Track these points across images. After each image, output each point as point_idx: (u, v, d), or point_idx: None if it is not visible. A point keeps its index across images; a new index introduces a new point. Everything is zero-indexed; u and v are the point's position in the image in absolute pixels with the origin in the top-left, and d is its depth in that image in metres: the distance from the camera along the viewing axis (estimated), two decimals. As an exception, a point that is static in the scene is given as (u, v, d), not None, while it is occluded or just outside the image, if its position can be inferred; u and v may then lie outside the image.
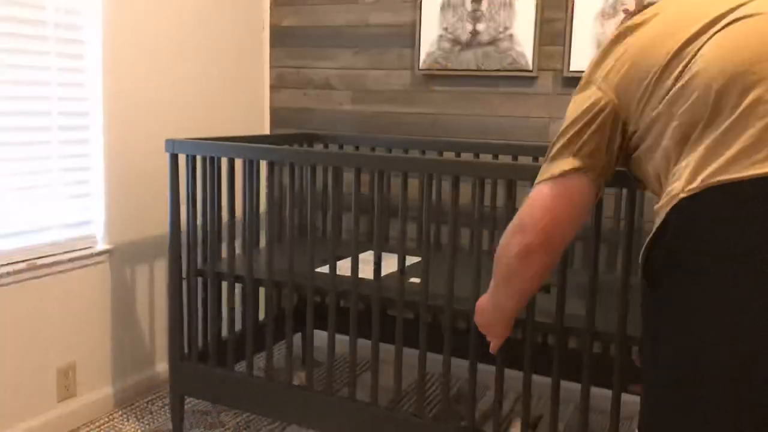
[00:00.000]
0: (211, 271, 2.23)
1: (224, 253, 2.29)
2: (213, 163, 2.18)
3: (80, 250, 2.34)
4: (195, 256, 2.24)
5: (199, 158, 2.48)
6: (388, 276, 2.20)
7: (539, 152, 2.51)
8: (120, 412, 2.50)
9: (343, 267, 2.21)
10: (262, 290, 2.85)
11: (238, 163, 2.78)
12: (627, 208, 1.66)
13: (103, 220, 2.42)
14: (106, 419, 2.45)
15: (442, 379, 1.90)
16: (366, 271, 2.17)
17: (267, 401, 2.15)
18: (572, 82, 2.54)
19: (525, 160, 2.50)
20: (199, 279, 2.28)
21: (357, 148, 2.81)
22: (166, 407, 2.54)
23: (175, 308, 2.24)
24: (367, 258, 2.44)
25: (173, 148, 2.17)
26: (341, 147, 2.86)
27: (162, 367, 2.73)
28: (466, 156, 2.66)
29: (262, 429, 2.42)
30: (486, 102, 2.71)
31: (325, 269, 2.25)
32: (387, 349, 2.96)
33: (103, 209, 2.41)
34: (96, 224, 2.42)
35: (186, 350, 2.29)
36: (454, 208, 1.82)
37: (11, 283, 2.12)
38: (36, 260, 2.19)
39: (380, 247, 1.94)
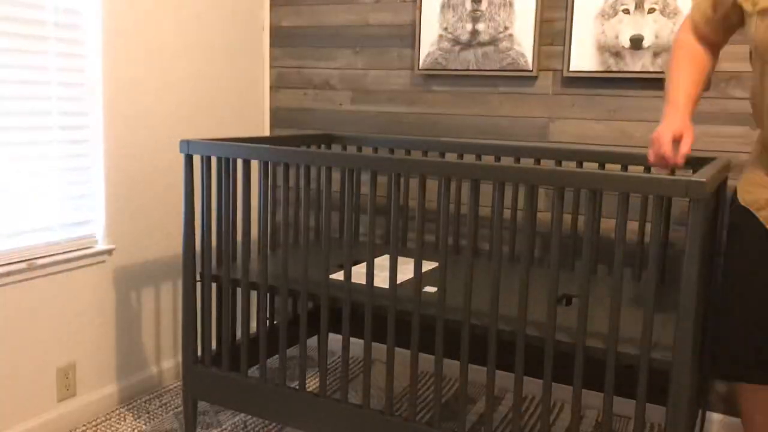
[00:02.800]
0: (226, 276, 2.15)
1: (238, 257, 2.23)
2: (228, 165, 2.14)
3: (80, 250, 2.34)
4: (210, 259, 2.18)
5: (214, 159, 2.42)
6: (404, 284, 2.15)
7: (539, 154, 2.52)
8: (120, 412, 2.50)
9: (358, 273, 2.19)
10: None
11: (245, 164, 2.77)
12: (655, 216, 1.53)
13: (103, 220, 2.42)
14: (106, 419, 2.45)
15: (461, 390, 1.81)
16: (381, 278, 2.16)
17: (278, 406, 2.09)
18: (572, 82, 2.54)
19: (527, 161, 2.50)
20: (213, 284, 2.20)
21: (375, 150, 2.72)
22: (165, 406, 2.55)
23: (189, 312, 2.20)
24: (382, 263, 2.39)
25: (188, 148, 2.10)
26: (359, 149, 2.78)
27: (161, 366, 2.73)
28: (468, 158, 2.67)
29: (261, 431, 2.43)
30: (486, 102, 2.71)
31: (339, 275, 2.19)
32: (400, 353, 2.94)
33: (103, 209, 2.41)
34: (96, 224, 2.42)
35: (199, 354, 2.25)
36: (473, 212, 1.74)
37: (11, 283, 2.13)
38: (36, 260, 2.19)
39: (396, 252, 1.84)
